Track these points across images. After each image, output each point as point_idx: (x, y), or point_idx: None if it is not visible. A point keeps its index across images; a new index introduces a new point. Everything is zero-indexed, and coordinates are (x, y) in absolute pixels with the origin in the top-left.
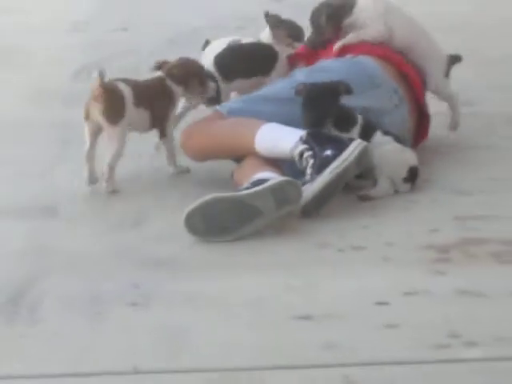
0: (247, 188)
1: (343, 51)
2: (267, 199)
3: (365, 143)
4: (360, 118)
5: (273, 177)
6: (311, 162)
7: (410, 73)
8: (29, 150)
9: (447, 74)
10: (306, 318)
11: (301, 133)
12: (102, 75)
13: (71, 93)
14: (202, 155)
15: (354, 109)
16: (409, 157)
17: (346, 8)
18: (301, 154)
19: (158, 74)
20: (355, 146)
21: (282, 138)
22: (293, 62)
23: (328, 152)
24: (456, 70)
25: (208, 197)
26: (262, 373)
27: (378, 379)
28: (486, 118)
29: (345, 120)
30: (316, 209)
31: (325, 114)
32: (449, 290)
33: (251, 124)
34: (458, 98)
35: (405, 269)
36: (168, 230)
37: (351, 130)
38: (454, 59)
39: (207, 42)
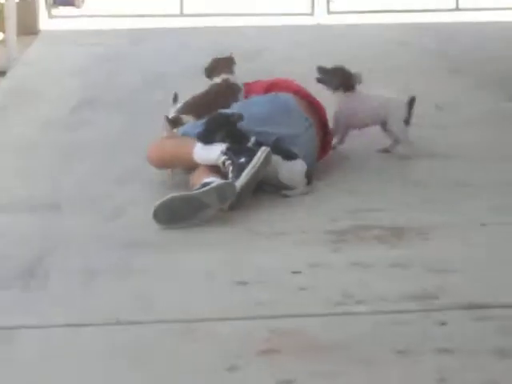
0: (198, 189)
1: (270, 89)
2: (212, 196)
3: (268, 149)
4: (253, 138)
5: (216, 180)
6: (231, 168)
7: (315, 101)
8: (39, 163)
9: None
10: (242, 283)
11: (222, 147)
12: None
13: (71, 120)
14: (159, 164)
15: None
16: (302, 165)
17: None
18: (223, 163)
19: None
20: (262, 152)
21: (209, 152)
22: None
23: (242, 159)
24: None
25: (169, 196)
26: (211, 323)
27: (294, 328)
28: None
29: (238, 138)
30: (239, 202)
31: (214, 133)
32: (344, 262)
33: (190, 142)
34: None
35: (312, 247)
36: (140, 220)
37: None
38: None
39: (176, 96)
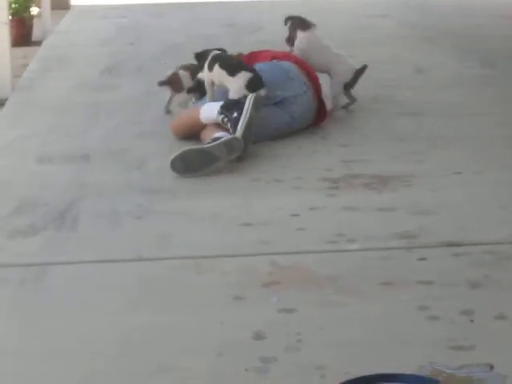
0: (208, 143)
1: (272, 57)
2: (221, 149)
3: (254, 95)
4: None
5: (225, 135)
6: (228, 124)
7: (312, 73)
8: (72, 120)
9: (352, 85)
10: (247, 224)
11: (218, 107)
12: None
13: (99, 83)
14: (182, 136)
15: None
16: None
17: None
18: (222, 120)
19: None
20: (249, 100)
21: (211, 113)
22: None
23: (235, 114)
24: None
25: (184, 148)
26: (220, 259)
27: (293, 263)
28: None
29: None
30: (244, 151)
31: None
32: (337, 206)
33: (196, 111)
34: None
35: (309, 193)
36: (159, 170)
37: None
38: (361, 70)
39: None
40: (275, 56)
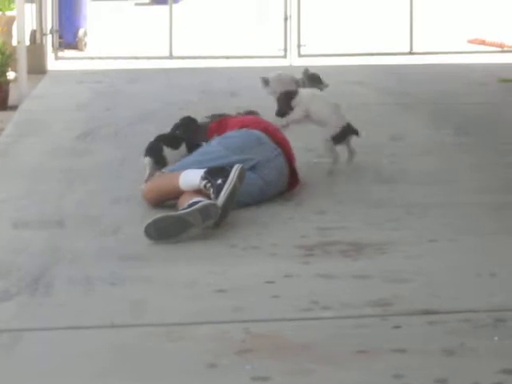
0: (184, 208)
1: (241, 125)
2: (196, 216)
3: (240, 166)
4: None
5: (201, 200)
6: (211, 190)
7: (283, 140)
8: (47, 186)
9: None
10: (222, 291)
11: (201, 172)
12: None
13: (75, 149)
14: (155, 202)
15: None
16: None
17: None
18: (204, 186)
19: None
20: (235, 170)
21: (192, 179)
22: (209, 134)
23: (219, 181)
24: None
25: (158, 215)
26: (194, 326)
27: (268, 331)
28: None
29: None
30: (222, 219)
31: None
32: (312, 273)
33: (175, 176)
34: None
35: (285, 260)
36: (134, 236)
37: None
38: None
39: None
40: (244, 123)
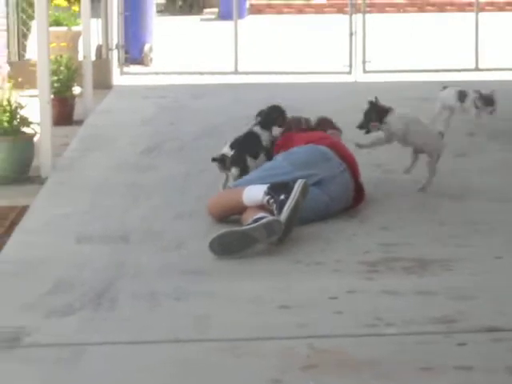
0: (249, 224)
1: (307, 141)
2: (261, 231)
3: (303, 181)
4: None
5: (265, 216)
6: (274, 205)
7: (348, 155)
8: (112, 200)
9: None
10: (286, 307)
11: (265, 188)
12: None
13: (139, 163)
14: (219, 217)
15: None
16: None
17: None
18: (267, 201)
19: None
20: (298, 185)
21: (255, 194)
22: (276, 149)
23: (282, 196)
24: None
25: (223, 230)
26: (258, 342)
27: (331, 346)
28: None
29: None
30: (286, 235)
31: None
32: (376, 290)
33: (238, 191)
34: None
35: (348, 276)
36: (198, 251)
37: None
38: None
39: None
40: (311, 139)
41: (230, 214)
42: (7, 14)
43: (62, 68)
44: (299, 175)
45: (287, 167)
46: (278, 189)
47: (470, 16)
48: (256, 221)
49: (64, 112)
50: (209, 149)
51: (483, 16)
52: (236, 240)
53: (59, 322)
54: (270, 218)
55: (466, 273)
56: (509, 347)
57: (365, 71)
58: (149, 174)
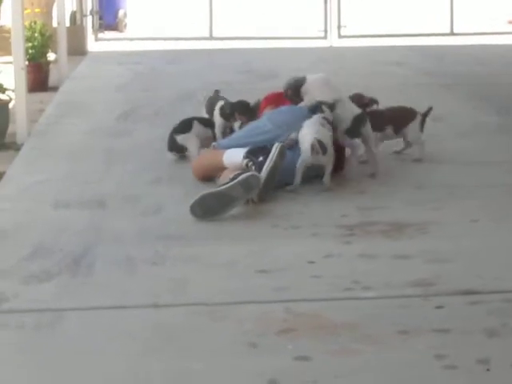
0: (226, 183)
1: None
2: (238, 189)
3: (281, 144)
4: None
5: (241, 173)
6: (253, 167)
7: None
8: (88, 166)
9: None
10: (264, 271)
11: (243, 152)
12: None
13: (115, 129)
14: (202, 177)
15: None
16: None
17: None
18: (246, 164)
19: None
20: (275, 147)
21: (235, 157)
22: (264, 104)
23: (261, 158)
24: None
25: (201, 193)
26: (235, 306)
27: (308, 310)
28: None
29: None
30: (265, 191)
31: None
32: (353, 253)
33: (219, 154)
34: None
35: (325, 240)
36: (175, 215)
37: None
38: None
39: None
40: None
41: (211, 174)
42: None
43: (36, 34)
44: (279, 134)
45: (269, 126)
46: (256, 152)
47: None
48: (233, 179)
49: (39, 78)
50: (184, 113)
51: None
52: (215, 200)
53: (37, 288)
54: (246, 174)
55: (443, 236)
56: (485, 310)
57: (340, 36)
58: (125, 139)
